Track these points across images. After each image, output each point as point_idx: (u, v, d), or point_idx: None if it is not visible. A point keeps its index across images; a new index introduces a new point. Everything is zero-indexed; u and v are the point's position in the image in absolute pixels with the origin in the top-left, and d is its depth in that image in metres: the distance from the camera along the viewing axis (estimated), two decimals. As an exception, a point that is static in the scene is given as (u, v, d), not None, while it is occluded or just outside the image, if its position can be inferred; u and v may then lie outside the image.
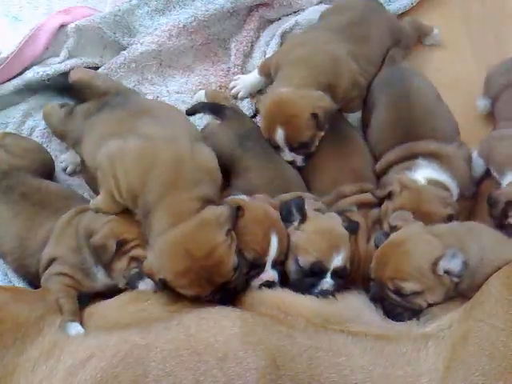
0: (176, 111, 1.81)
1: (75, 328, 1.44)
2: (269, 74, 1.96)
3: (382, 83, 1.92)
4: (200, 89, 2.11)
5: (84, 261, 1.55)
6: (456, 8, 2.22)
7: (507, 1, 2.21)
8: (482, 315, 1.32)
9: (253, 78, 2.06)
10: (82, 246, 1.56)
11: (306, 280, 1.55)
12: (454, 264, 1.40)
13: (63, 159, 1.98)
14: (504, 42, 2.17)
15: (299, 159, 1.81)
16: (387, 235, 1.55)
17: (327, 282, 1.54)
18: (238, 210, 1.54)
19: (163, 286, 1.45)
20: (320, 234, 1.57)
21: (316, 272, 1.54)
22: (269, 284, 1.54)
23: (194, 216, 1.46)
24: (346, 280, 1.59)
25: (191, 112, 1.98)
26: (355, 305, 1.49)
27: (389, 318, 1.47)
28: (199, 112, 2.00)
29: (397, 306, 1.46)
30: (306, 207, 1.61)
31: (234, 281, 1.45)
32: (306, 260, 1.54)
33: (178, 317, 1.37)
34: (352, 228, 1.63)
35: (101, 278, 1.56)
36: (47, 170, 1.86)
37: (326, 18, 2.05)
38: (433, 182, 1.71)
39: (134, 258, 1.52)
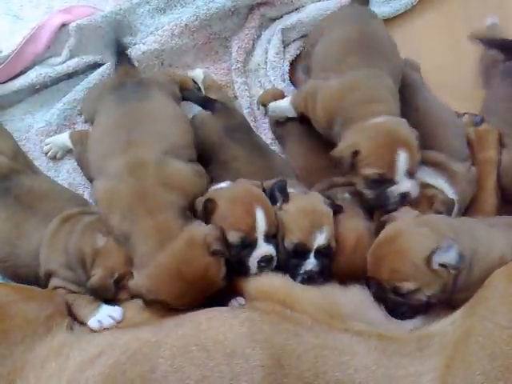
0: (170, 118, 1.76)
1: (109, 310, 1.45)
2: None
3: None
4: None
5: (78, 277, 1.55)
6: (457, 8, 2.23)
7: (508, 1, 2.23)
8: (486, 312, 1.30)
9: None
10: (73, 264, 1.56)
11: (292, 261, 1.56)
12: (449, 257, 1.37)
13: (48, 142, 1.98)
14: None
15: (416, 188, 1.60)
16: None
17: (311, 263, 1.55)
18: (209, 204, 1.55)
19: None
20: (302, 212, 1.57)
21: (299, 253, 1.55)
22: (267, 259, 1.53)
23: (180, 235, 1.47)
24: (346, 273, 1.58)
25: (183, 98, 1.99)
26: (358, 301, 1.49)
27: (393, 317, 1.46)
28: (190, 100, 2.01)
29: (399, 305, 1.44)
30: (288, 188, 1.62)
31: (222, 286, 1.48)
32: (289, 241, 1.55)
33: (190, 314, 1.38)
34: (335, 208, 1.62)
35: None
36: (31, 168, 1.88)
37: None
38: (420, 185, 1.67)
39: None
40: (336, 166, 1.65)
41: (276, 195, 1.61)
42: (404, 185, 1.58)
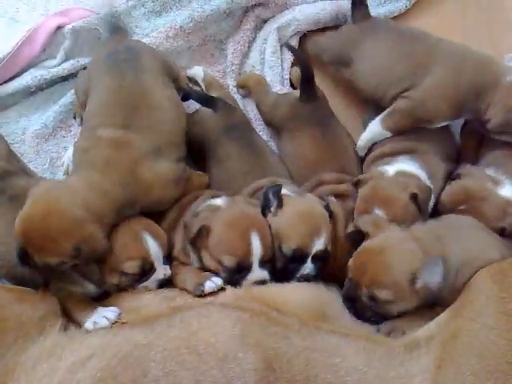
0: (167, 111, 1.74)
1: (104, 311, 1.44)
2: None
3: None
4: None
5: (70, 273, 1.53)
6: (452, 11, 2.22)
7: (504, 4, 2.23)
8: (472, 313, 1.31)
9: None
10: None
11: (290, 266, 1.56)
12: (433, 278, 1.38)
13: (65, 157, 1.96)
14: (498, 43, 2.17)
15: None
16: (358, 234, 1.53)
17: (308, 267, 1.56)
18: (201, 231, 1.53)
19: None
20: (300, 217, 1.57)
21: (297, 258, 1.55)
22: (260, 283, 1.53)
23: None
24: (325, 273, 1.59)
25: (185, 97, 1.98)
26: (339, 302, 1.50)
27: (357, 319, 1.46)
28: (192, 99, 2.00)
29: (367, 310, 1.44)
30: (283, 191, 1.61)
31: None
32: (287, 247, 1.54)
33: (181, 313, 1.37)
34: (330, 211, 1.63)
35: (90, 288, 1.56)
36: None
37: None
38: (400, 173, 1.68)
39: (124, 273, 1.52)
40: None
41: (270, 200, 1.60)
42: None
